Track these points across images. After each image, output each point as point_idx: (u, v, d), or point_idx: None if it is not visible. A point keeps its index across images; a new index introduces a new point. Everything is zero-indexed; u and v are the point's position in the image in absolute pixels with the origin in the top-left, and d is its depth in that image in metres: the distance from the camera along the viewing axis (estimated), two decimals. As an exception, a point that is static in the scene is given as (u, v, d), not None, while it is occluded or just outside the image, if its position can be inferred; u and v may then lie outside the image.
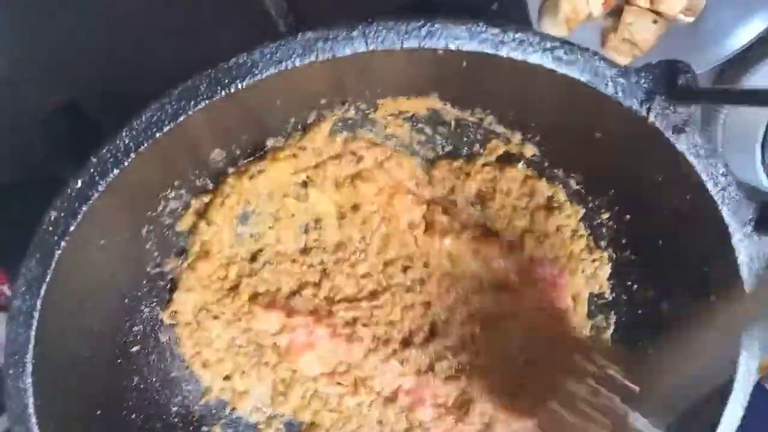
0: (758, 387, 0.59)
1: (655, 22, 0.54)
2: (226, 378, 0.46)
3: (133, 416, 0.42)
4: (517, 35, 0.30)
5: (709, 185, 0.35)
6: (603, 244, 0.45)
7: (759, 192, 0.56)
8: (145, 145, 0.29)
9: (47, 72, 0.58)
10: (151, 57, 0.56)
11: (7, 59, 0.57)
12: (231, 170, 0.40)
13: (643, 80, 0.32)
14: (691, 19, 0.54)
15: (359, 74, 0.34)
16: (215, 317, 0.43)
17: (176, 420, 0.45)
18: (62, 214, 0.30)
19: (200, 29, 0.59)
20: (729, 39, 0.55)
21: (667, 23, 0.54)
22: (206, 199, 0.40)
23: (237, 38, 0.57)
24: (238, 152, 0.39)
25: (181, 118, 0.29)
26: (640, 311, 0.45)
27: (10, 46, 0.57)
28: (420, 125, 0.41)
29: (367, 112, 0.40)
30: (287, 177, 0.41)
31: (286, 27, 0.51)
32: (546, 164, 0.43)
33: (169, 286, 0.42)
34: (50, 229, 0.30)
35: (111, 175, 0.30)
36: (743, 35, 0.54)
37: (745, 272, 0.37)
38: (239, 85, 0.29)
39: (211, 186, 0.39)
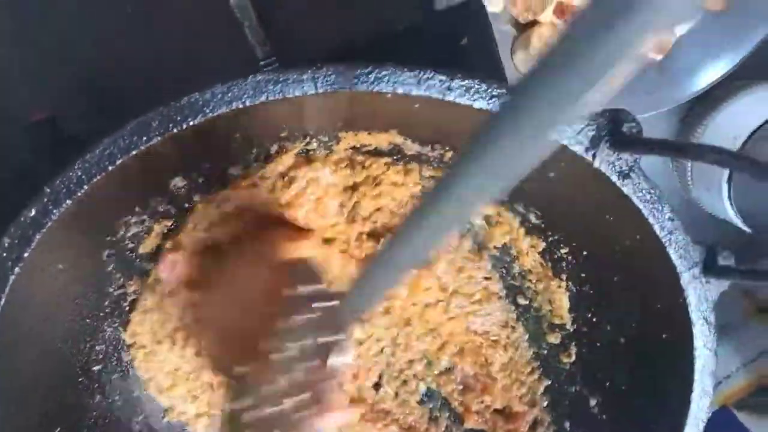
0: (728, 413, 0.60)
1: (625, 58, 0.55)
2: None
3: (94, 434, 0.43)
4: (463, 82, 0.31)
5: (656, 228, 0.35)
6: (564, 276, 0.46)
7: (729, 226, 0.57)
8: (98, 177, 0.30)
9: (30, 83, 0.58)
10: (132, 74, 0.57)
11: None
12: (197, 198, 0.41)
13: (588, 128, 0.33)
14: (659, 57, 0.55)
15: (316, 111, 0.35)
16: (158, 342, 0.44)
17: (138, 438, 0.46)
18: (16, 241, 0.31)
19: (182, 48, 0.59)
20: (696, 77, 0.55)
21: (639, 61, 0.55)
22: (168, 223, 0.40)
23: (217, 57, 0.58)
24: (200, 180, 0.40)
25: (134, 152, 0.30)
26: (598, 344, 0.46)
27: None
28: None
29: (330, 143, 0.40)
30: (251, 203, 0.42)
31: (263, 54, 0.52)
32: (506, 199, 0.44)
33: (130, 306, 0.43)
34: (4, 255, 0.31)
35: (64, 205, 0.31)
36: (710, 74, 0.55)
37: (693, 312, 0.38)
38: (191, 122, 0.30)
39: (173, 211, 0.40)
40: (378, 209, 0.46)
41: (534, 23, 0.53)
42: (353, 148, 0.41)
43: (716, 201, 0.56)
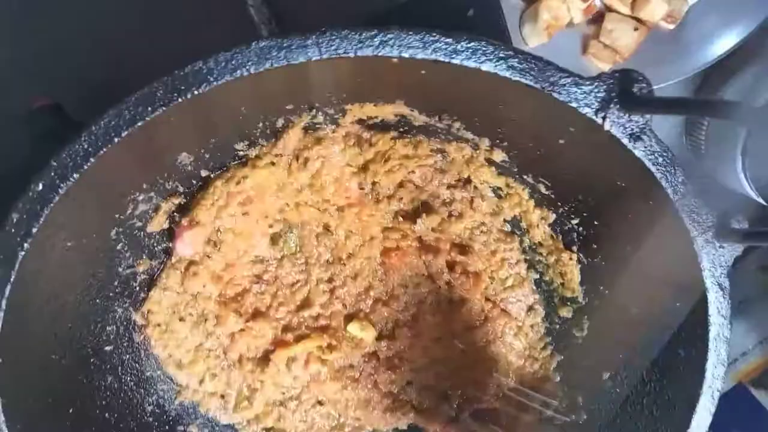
0: (743, 390, 0.59)
1: (636, 29, 0.54)
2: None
3: (107, 415, 0.43)
4: (470, 44, 0.31)
5: (668, 192, 0.35)
6: (574, 248, 0.45)
7: (742, 198, 0.56)
8: (104, 149, 0.30)
9: (32, 71, 0.59)
10: (134, 59, 0.57)
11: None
12: (210, 175, 0.41)
13: (597, 89, 0.32)
14: (672, 27, 0.54)
15: (321, 81, 0.34)
16: (181, 319, 0.44)
17: (151, 419, 0.46)
18: (24, 216, 0.31)
19: (184, 32, 0.59)
20: (710, 47, 0.55)
21: (648, 30, 0.54)
22: (177, 201, 0.40)
23: (221, 41, 0.58)
24: (207, 156, 0.40)
25: (139, 124, 0.30)
26: (611, 316, 0.46)
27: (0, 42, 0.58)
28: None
29: (336, 117, 0.40)
30: (270, 182, 0.42)
31: (268, 32, 0.52)
32: (515, 169, 0.43)
33: (141, 286, 0.43)
34: (12, 231, 0.31)
35: (72, 179, 0.31)
36: (724, 43, 0.54)
37: (707, 278, 0.37)
38: (195, 92, 0.30)
39: (181, 189, 0.40)
40: (400, 185, 0.45)
41: (542, -5, 0.52)
42: (359, 121, 0.41)
43: (730, 172, 0.55)
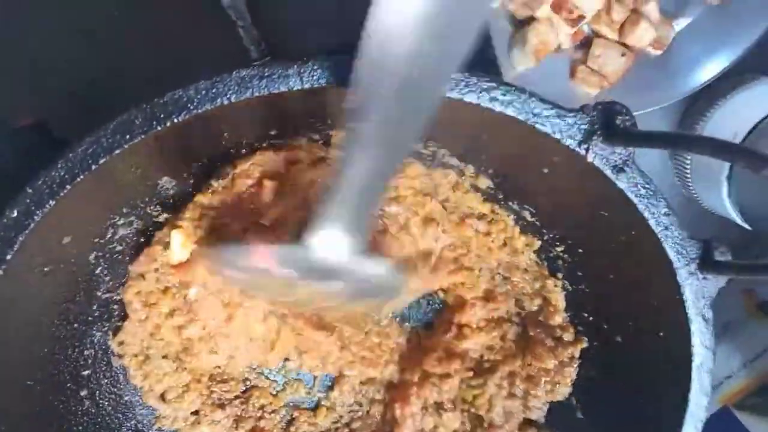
0: (728, 414, 0.59)
1: (623, 54, 0.54)
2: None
3: (83, 440, 0.42)
4: (453, 76, 0.30)
5: (651, 223, 0.35)
6: (559, 275, 0.45)
7: (728, 223, 0.56)
8: (81, 176, 0.30)
9: (16, 87, 0.58)
10: (123, 77, 0.56)
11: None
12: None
13: (580, 121, 0.32)
14: (658, 52, 0.54)
15: (303, 109, 0.34)
16: (164, 356, 0.43)
17: (129, 444, 0.45)
18: (-2, 243, 0.30)
19: (174, 51, 0.59)
20: (696, 72, 0.55)
21: (635, 56, 0.54)
22: (159, 223, 0.40)
23: (210, 59, 0.57)
24: (191, 180, 0.40)
25: (117, 151, 0.30)
26: (595, 343, 0.45)
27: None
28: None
29: (321, 140, 0.40)
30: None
31: (258, 54, 0.52)
32: (501, 196, 0.43)
33: (119, 312, 0.42)
34: (-15, 257, 0.30)
35: (47, 206, 0.30)
36: (710, 69, 0.54)
37: (691, 309, 0.37)
38: (175, 120, 0.30)
39: (164, 215, 0.40)
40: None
41: (531, 19, 0.52)
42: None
43: (715, 198, 0.55)
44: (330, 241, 0.30)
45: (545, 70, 0.54)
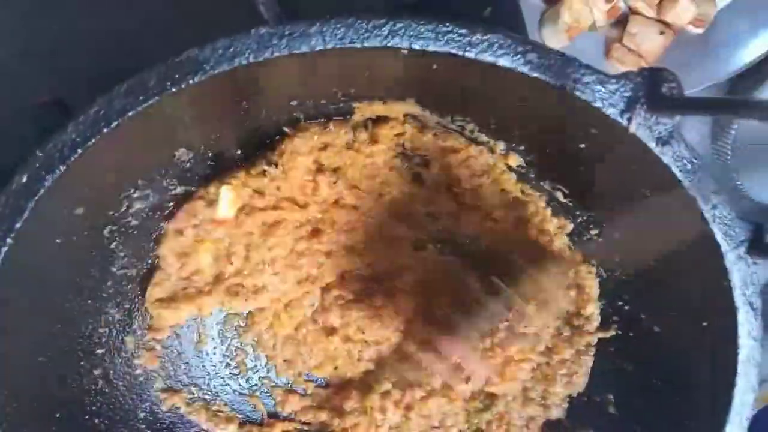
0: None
1: (661, 32, 0.52)
2: None
3: (96, 421, 0.41)
4: (485, 36, 0.28)
5: (699, 202, 0.32)
6: (593, 261, 0.43)
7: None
8: (93, 140, 0.28)
9: (37, 66, 0.58)
10: (140, 55, 0.55)
11: (4, 50, 0.57)
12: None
13: (623, 88, 0.30)
14: (700, 31, 0.52)
15: (325, 74, 0.32)
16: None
17: (143, 426, 0.44)
18: (7, 211, 0.29)
19: (193, 28, 0.58)
20: (741, 51, 0.52)
21: (675, 34, 0.52)
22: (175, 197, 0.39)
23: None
24: (209, 154, 0.38)
25: (130, 114, 0.28)
26: (631, 333, 0.43)
27: (7, 37, 0.57)
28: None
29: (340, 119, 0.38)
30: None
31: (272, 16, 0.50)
32: (532, 175, 0.41)
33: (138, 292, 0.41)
34: (-6, 225, 0.29)
35: (58, 170, 0.29)
36: (754, 48, 0.51)
37: (738, 297, 0.35)
38: (190, 81, 0.28)
39: (180, 189, 0.38)
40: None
41: (565, -5, 0.50)
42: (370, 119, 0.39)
43: (761, 183, 0.52)
44: None
45: (578, 49, 0.52)
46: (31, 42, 0.56)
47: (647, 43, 0.52)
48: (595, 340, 0.44)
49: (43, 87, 0.52)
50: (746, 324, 0.35)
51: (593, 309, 0.44)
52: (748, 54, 0.52)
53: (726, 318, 0.35)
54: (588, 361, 0.45)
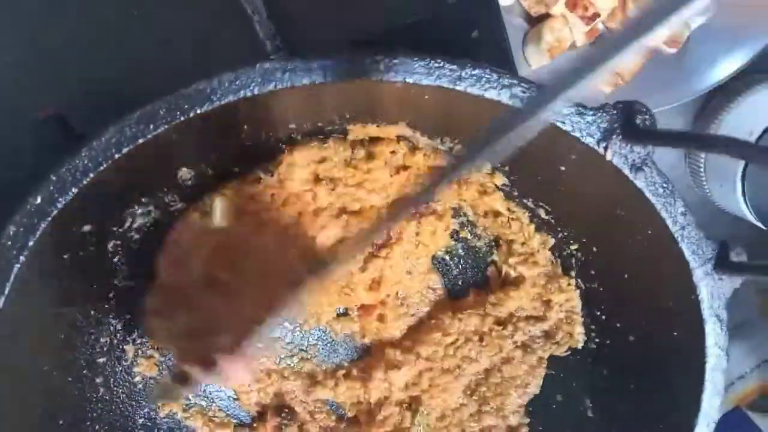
0: (741, 414, 0.59)
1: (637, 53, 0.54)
2: None
3: (97, 428, 0.43)
4: (474, 72, 0.31)
5: (668, 223, 0.35)
6: (573, 273, 0.45)
7: (742, 223, 0.56)
8: (104, 165, 0.30)
9: (38, 80, 0.58)
10: (140, 72, 0.56)
11: (3, 63, 0.57)
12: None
13: (600, 120, 0.32)
14: (673, 50, 0.54)
15: (323, 102, 0.34)
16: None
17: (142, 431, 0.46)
18: (21, 229, 0.31)
19: (192, 44, 0.59)
20: (712, 70, 0.55)
21: (650, 54, 0.54)
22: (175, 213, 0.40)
23: (227, 54, 0.58)
24: (209, 172, 0.40)
25: (140, 141, 0.30)
26: (608, 341, 0.46)
27: (7, 51, 0.58)
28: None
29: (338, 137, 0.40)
30: None
31: (272, 48, 0.52)
32: (515, 193, 0.43)
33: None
34: (8, 243, 0.31)
35: (70, 193, 0.30)
36: (725, 67, 0.54)
37: (705, 309, 0.37)
38: (198, 111, 0.30)
39: (180, 204, 0.40)
40: None
41: (546, 16, 0.52)
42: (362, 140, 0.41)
43: (730, 197, 0.55)
44: None
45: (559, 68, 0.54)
46: (30, 56, 0.56)
47: (624, 63, 0.54)
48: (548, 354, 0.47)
49: (42, 101, 0.53)
50: (713, 334, 0.38)
51: (580, 329, 0.46)
52: (719, 72, 0.54)
53: (695, 329, 0.38)
54: (541, 372, 0.48)
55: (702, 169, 0.57)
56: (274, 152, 0.39)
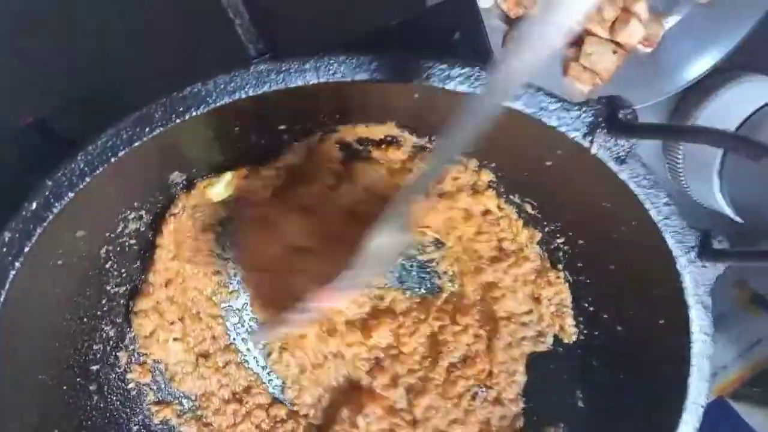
0: (724, 404, 0.60)
1: (614, 52, 0.56)
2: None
3: (92, 435, 0.42)
4: (463, 70, 0.31)
5: (652, 213, 0.36)
6: (560, 266, 0.46)
7: (719, 217, 0.58)
8: (100, 169, 0.30)
9: (21, 86, 0.58)
10: (122, 76, 0.56)
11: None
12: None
13: (585, 114, 0.33)
14: (649, 50, 0.56)
15: (314, 104, 0.35)
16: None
17: (136, 438, 0.46)
18: (17, 235, 0.31)
19: (173, 49, 0.59)
20: (686, 69, 0.56)
21: (627, 53, 0.56)
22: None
23: (209, 58, 0.58)
24: (201, 174, 0.40)
25: (136, 144, 0.30)
26: (596, 333, 0.47)
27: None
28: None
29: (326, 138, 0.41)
30: None
31: (256, 52, 0.52)
32: (502, 189, 0.44)
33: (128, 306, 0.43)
34: (4, 250, 0.31)
35: (66, 198, 0.31)
36: (699, 66, 0.55)
37: (690, 296, 0.38)
38: (193, 113, 0.30)
39: (166, 204, 0.40)
40: None
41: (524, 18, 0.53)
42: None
43: (707, 192, 0.56)
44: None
45: (539, 68, 0.55)
46: (13, 63, 0.56)
47: (602, 62, 0.56)
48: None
49: (25, 107, 0.52)
50: (698, 321, 0.38)
51: (570, 321, 0.47)
52: (693, 71, 0.56)
53: (680, 316, 0.39)
54: (521, 364, 0.49)
55: (680, 165, 0.58)
56: (266, 152, 0.40)
